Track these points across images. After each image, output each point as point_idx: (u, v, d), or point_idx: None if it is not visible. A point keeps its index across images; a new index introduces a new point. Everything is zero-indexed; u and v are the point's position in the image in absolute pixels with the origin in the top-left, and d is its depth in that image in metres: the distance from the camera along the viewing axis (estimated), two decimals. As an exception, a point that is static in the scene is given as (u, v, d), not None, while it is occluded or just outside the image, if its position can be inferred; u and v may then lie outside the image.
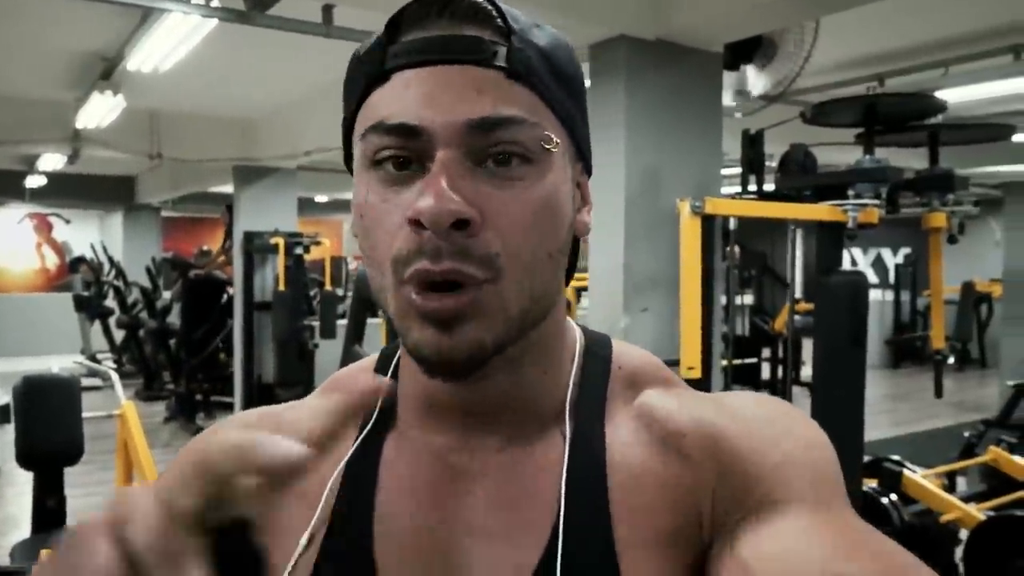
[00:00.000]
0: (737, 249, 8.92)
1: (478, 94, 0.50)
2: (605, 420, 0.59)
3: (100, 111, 5.27)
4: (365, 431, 0.61)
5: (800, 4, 2.87)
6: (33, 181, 9.70)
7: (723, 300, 3.18)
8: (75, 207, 12.13)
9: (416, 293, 0.51)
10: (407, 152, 0.51)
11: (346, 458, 0.60)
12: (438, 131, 0.50)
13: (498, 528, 0.57)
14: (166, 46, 3.79)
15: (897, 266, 11.75)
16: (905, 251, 11.76)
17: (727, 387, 3.21)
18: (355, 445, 0.61)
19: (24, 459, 2.77)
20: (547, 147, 0.52)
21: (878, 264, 12.75)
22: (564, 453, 0.57)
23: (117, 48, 4.43)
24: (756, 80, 3.42)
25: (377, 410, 0.62)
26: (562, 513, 0.55)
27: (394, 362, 0.65)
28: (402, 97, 0.51)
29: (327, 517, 0.59)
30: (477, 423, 0.58)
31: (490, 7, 0.52)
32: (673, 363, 2.53)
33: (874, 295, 11.93)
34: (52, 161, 7.59)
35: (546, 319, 0.57)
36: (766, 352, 8.80)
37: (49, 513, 2.86)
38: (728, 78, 3.41)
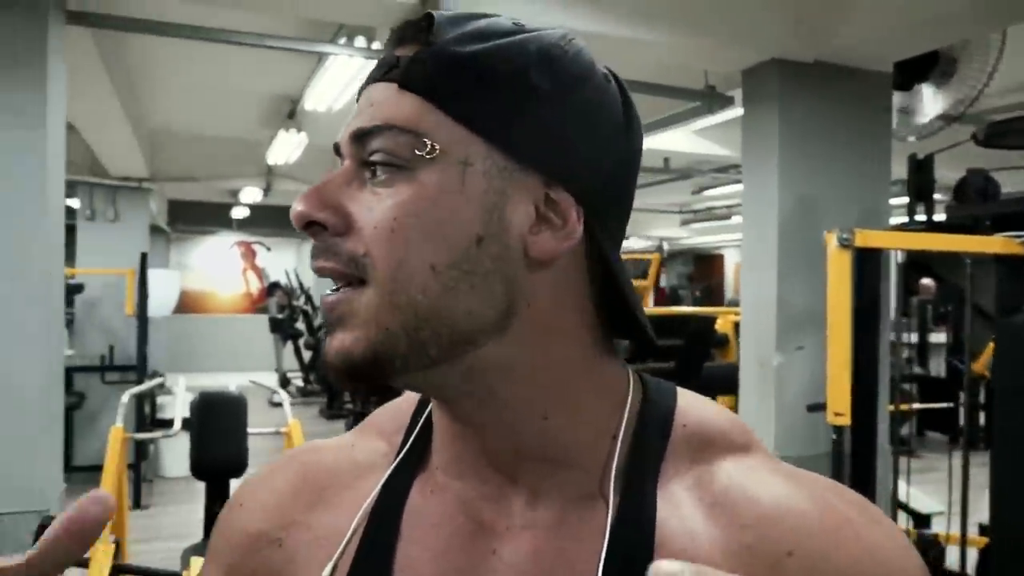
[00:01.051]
0: (931, 282, 8.23)
1: (370, 107, 0.52)
2: (659, 488, 0.53)
3: (287, 148, 5.72)
4: (390, 470, 0.59)
5: (983, 14, 2.61)
6: (238, 212, 10.69)
7: (892, 337, 2.92)
8: (274, 236, 13.21)
9: None
10: None
11: (370, 498, 0.58)
12: (342, 146, 0.54)
13: None
14: (335, 87, 4.05)
15: None
16: None
17: (893, 433, 2.95)
18: (378, 489, 0.58)
19: (196, 470, 3.01)
20: (420, 153, 0.49)
21: (1106, 300, 11.27)
22: (605, 524, 0.52)
23: (298, 89, 4.80)
24: (932, 101, 3.14)
25: (407, 447, 0.60)
26: None
27: None
28: None
29: (349, 561, 0.57)
30: (500, 468, 0.55)
31: (422, 23, 0.52)
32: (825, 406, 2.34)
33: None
34: (251, 194, 8.32)
35: (487, 348, 0.51)
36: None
37: (217, 521, 3.08)
38: (900, 98, 3.16)
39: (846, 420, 2.08)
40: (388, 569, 0.55)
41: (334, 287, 0.52)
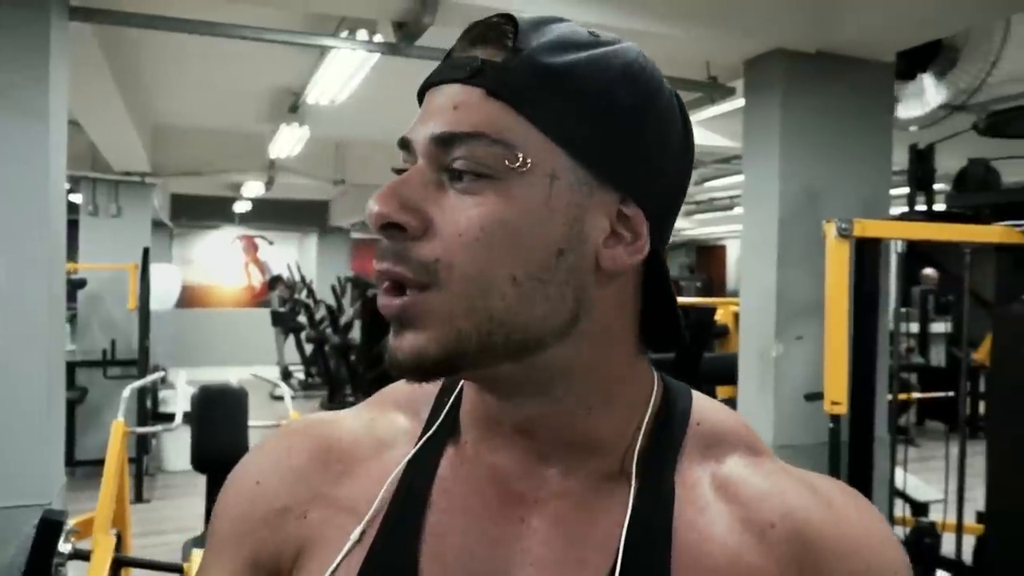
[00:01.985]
0: (934, 272, 8.22)
1: (453, 110, 0.51)
2: (676, 477, 0.57)
3: (289, 141, 5.72)
4: (419, 444, 0.61)
5: (987, 3, 2.61)
6: (240, 206, 10.70)
7: (891, 327, 2.92)
8: (277, 230, 13.21)
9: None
10: (410, 166, 0.54)
11: (397, 470, 0.60)
12: (417, 143, 0.53)
13: (551, 564, 0.55)
14: (338, 80, 4.05)
15: None
16: None
17: (892, 422, 2.95)
18: (408, 458, 0.60)
19: (196, 462, 3.02)
20: (511, 165, 0.50)
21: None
22: (628, 499, 0.56)
23: (301, 83, 4.80)
24: (935, 90, 3.13)
25: (437, 423, 0.62)
26: (619, 567, 0.53)
27: None
28: (416, 115, 0.55)
29: (375, 529, 0.58)
30: (535, 448, 0.58)
31: (506, 27, 0.52)
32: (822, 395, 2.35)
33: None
34: (254, 188, 8.33)
35: (553, 349, 0.53)
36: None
37: (220, 513, 3.08)
38: (903, 88, 3.16)
39: (843, 409, 2.09)
40: (417, 535, 0.57)
41: (392, 289, 0.52)
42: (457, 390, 0.63)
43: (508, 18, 0.52)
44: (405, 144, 0.54)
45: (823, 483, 0.58)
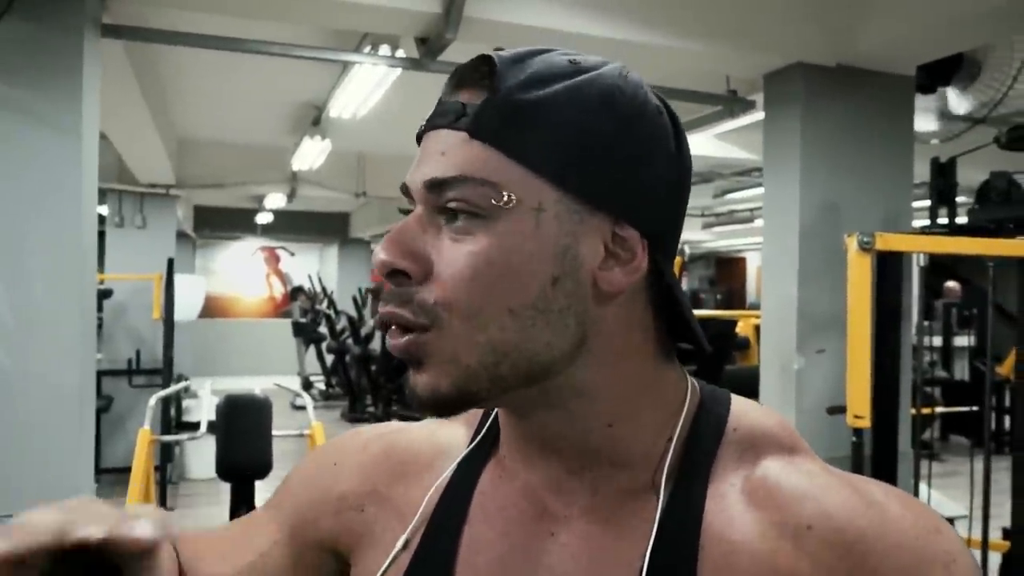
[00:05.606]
0: (956, 285, 8.14)
1: (441, 155, 0.54)
2: (708, 485, 0.57)
3: (312, 154, 5.79)
4: (461, 456, 0.65)
5: (1006, 17, 2.61)
6: (262, 218, 10.81)
7: (914, 340, 2.91)
8: (298, 241, 13.33)
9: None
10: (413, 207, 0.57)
11: (440, 481, 0.65)
12: (414, 190, 0.56)
13: None
14: (360, 94, 4.10)
15: None
16: None
17: (914, 438, 2.94)
18: (451, 470, 0.65)
19: (222, 471, 3.04)
20: (497, 203, 0.52)
21: None
22: (655, 516, 0.56)
23: (324, 97, 4.86)
24: (957, 103, 3.13)
25: (479, 438, 0.66)
26: None
27: None
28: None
29: (419, 537, 0.63)
30: (563, 464, 0.60)
31: (484, 68, 0.53)
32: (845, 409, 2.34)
33: None
34: (276, 200, 8.41)
35: (564, 373, 0.55)
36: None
37: (243, 522, 3.11)
38: (924, 101, 3.16)
39: (866, 423, 2.08)
40: (455, 545, 0.61)
41: (398, 330, 0.55)
42: None
43: (486, 59, 0.53)
44: (404, 190, 0.56)
45: (865, 483, 0.55)
